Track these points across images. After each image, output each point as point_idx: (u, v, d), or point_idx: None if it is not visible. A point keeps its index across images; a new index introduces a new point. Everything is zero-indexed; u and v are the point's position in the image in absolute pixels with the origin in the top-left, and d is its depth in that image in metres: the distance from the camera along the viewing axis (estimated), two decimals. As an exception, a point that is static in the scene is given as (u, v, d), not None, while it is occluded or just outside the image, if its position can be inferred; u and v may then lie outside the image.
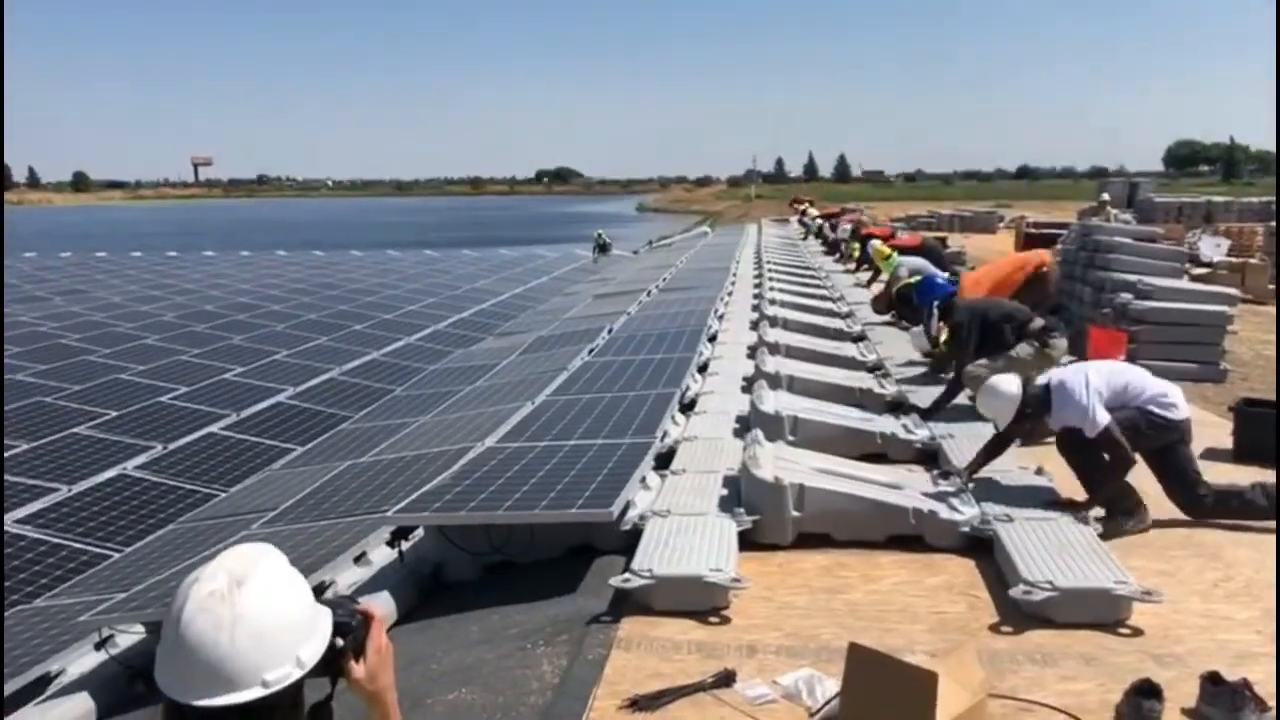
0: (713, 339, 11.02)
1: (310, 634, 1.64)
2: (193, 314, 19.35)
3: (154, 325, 17.98)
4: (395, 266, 30.97)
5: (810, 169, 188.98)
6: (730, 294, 15.44)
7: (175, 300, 21.70)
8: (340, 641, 1.68)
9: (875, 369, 8.79)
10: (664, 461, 6.20)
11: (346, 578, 5.36)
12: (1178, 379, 6.22)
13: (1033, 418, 5.34)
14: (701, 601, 4.23)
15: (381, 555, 5.61)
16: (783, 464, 5.35)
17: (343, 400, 12.01)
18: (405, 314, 19.35)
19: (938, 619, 4.18)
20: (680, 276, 19.81)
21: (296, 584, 1.66)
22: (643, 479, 5.56)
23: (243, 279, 26.63)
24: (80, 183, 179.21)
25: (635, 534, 4.87)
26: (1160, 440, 5.19)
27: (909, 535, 4.98)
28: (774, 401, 6.93)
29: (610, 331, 12.48)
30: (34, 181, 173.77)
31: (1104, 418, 5.04)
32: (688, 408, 7.75)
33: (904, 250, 15.73)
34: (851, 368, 8.92)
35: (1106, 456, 5.10)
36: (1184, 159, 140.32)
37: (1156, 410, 5.16)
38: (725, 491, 5.43)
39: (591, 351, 11.09)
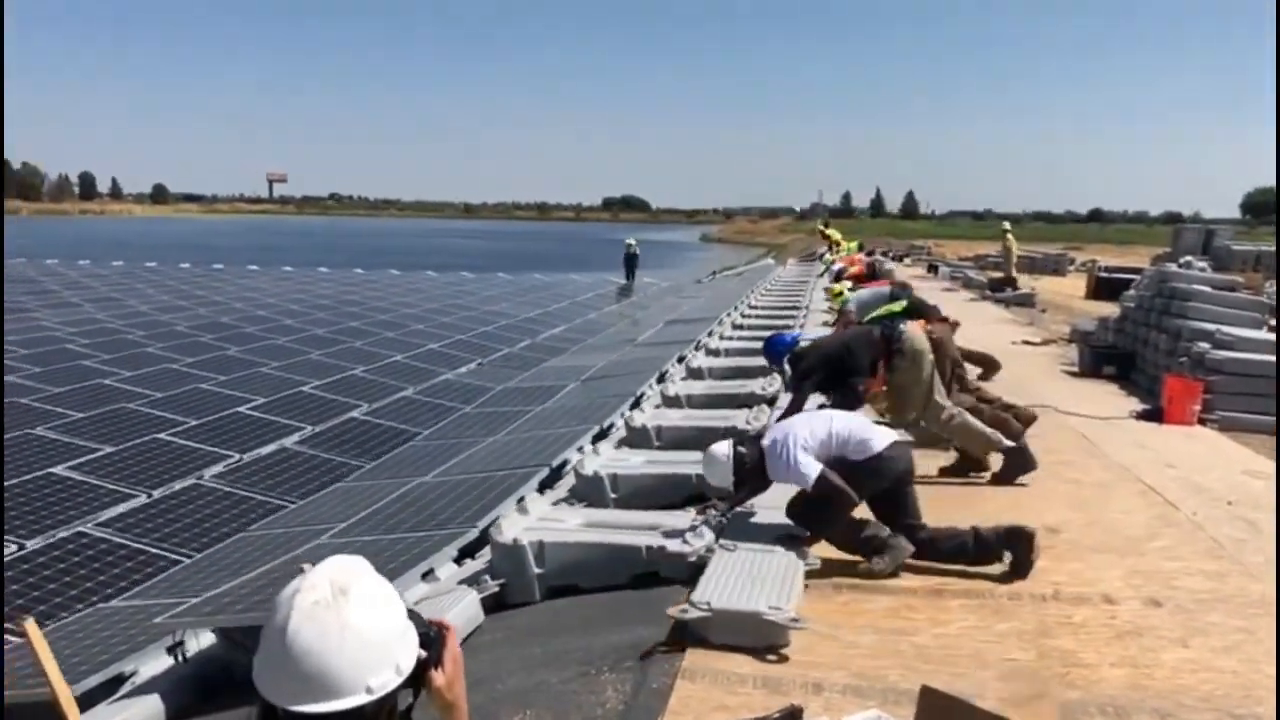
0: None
1: (406, 643, 1.70)
2: (276, 328, 19.85)
3: (236, 337, 18.44)
4: (469, 288, 31.51)
5: (877, 204, 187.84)
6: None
7: (255, 314, 22.23)
8: (424, 652, 1.74)
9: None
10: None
11: (414, 593, 5.43)
12: (1255, 431, 6.09)
13: (755, 475, 5.34)
14: (759, 638, 4.20)
15: (448, 571, 5.67)
16: (539, 523, 5.58)
17: (415, 418, 12.17)
18: (480, 334, 19.67)
19: (1009, 666, 4.12)
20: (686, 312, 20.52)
21: (392, 595, 1.72)
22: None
23: (322, 293, 27.34)
24: (159, 195, 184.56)
25: (700, 566, 4.88)
26: (881, 483, 5.21)
27: (647, 572, 5.07)
28: (594, 463, 6.96)
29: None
30: (116, 193, 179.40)
31: (814, 469, 5.06)
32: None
33: (856, 280, 15.87)
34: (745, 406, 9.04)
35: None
36: (1262, 206, 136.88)
37: (861, 454, 5.17)
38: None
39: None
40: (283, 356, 16.09)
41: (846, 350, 6.99)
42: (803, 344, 7.50)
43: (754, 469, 5.29)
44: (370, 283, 32.08)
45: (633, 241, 37.50)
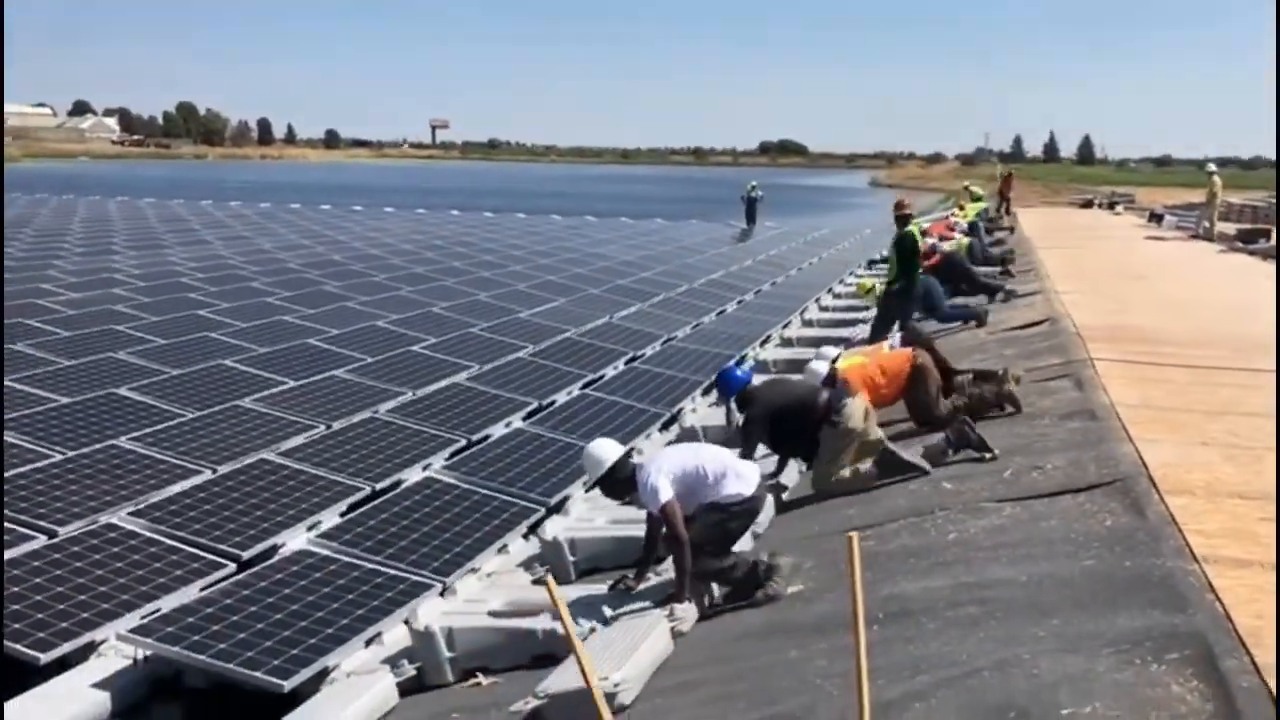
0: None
1: None
2: (443, 269, 20.86)
3: (407, 278, 19.26)
4: (626, 232, 31.81)
5: (1051, 149, 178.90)
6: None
7: (426, 255, 23.26)
8: None
9: None
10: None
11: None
12: None
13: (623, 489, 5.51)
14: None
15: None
16: (463, 605, 5.92)
17: (578, 360, 12.40)
18: (638, 280, 19.78)
19: None
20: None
21: None
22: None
23: (488, 239, 28.06)
24: (331, 140, 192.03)
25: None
26: (744, 522, 5.45)
27: (547, 653, 5.13)
28: (555, 527, 7.00)
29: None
30: (291, 138, 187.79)
31: (664, 496, 5.12)
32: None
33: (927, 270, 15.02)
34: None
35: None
36: None
37: (728, 493, 5.27)
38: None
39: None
40: (531, 304, 16.47)
41: (789, 410, 7.10)
42: (753, 385, 7.52)
43: (626, 482, 5.41)
44: (573, 229, 32.93)
45: (754, 185, 36.98)
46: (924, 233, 21.59)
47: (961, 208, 29.55)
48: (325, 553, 6.53)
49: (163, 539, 6.66)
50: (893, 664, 3.79)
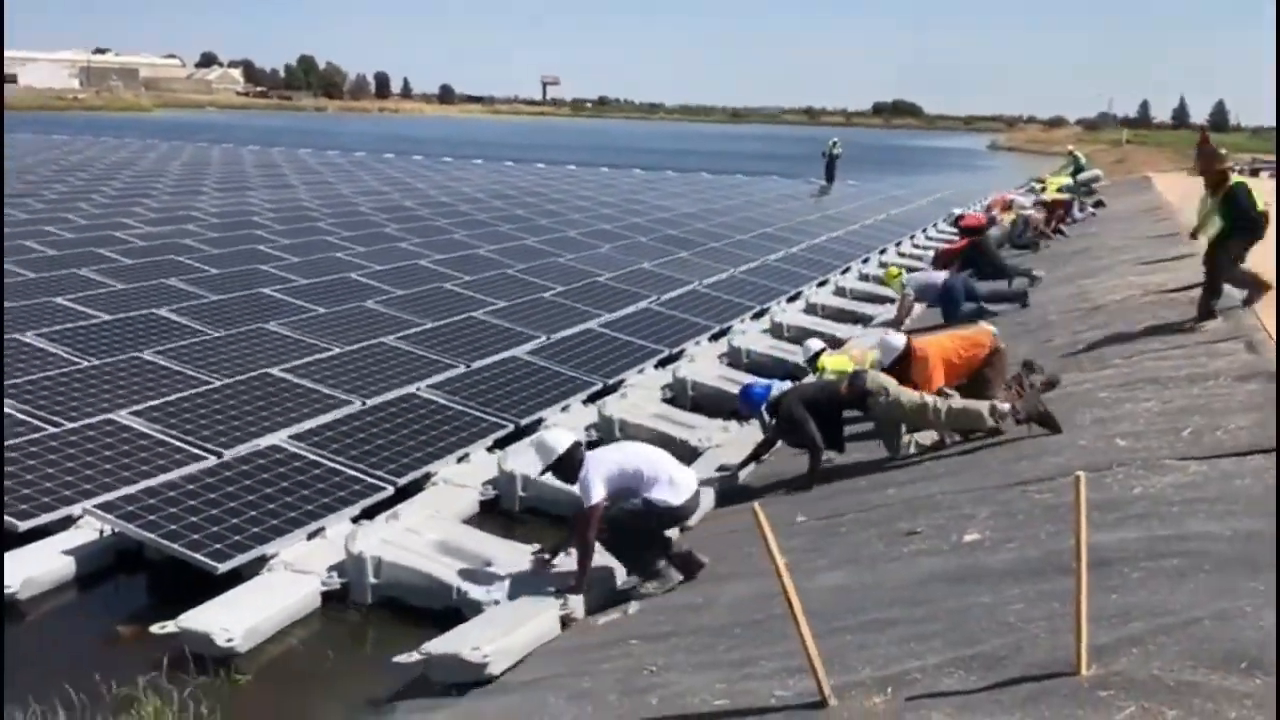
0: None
1: None
2: (504, 216, 21.49)
3: (465, 223, 19.85)
4: (700, 186, 31.88)
5: (1180, 114, 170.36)
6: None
7: (494, 204, 23.80)
8: None
9: None
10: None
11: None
12: None
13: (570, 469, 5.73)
14: (466, 674, 4.90)
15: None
16: (401, 534, 6.21)
17: (703, 310, 12.90)
18: (690, 230, 20.02)
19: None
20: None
21: None
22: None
23: (604, 200, 27.61)
24: (445, 95, 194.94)
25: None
26: (665, 524, 5.76)
27: (456, 607, 5.59)
28: (513, 461, 7.40)
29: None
30: (406, 92, 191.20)
31: (595, 498, 5.43)
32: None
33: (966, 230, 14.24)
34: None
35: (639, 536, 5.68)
36: None
37: (659, 498, 5.60)
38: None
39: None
40: (655, 256, 16.76)
41: (818, 400, 7.29)
42: (776, 392, 7.52)
43: (576, 467, 5.65)
44: (693, 186, 33.07)
45: (835, 141, 36.50)
46: (988, 207, 21.24)
47: (1041, 181, 28.37)
48: (295, 450, 7.15)
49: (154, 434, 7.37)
50: (1099, 611, 3.65)
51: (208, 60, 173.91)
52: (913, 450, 7.21)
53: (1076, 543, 3.30)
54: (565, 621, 5.47)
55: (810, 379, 8.53)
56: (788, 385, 7.69)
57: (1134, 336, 9.24)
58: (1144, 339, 9.06)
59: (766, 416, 7.64)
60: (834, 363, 8.74)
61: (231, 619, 5.35)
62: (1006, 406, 6.94)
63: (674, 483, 5.72)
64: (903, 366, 7.53)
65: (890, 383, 7.16)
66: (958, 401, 7.07)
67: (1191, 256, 12.87)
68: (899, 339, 7.77)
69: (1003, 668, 3.57)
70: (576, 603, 5.56)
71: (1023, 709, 3.24)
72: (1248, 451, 5.71)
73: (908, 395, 7.07)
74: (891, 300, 13.32)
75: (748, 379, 10.09)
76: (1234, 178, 10.29)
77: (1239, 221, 9.24)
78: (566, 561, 5.81)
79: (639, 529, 5.70)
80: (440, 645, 4.98)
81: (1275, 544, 4.17)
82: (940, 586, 4.71)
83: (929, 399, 7.05)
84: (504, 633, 5.10)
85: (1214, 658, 3.30)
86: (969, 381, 7.82)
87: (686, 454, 7.59)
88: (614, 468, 5.65)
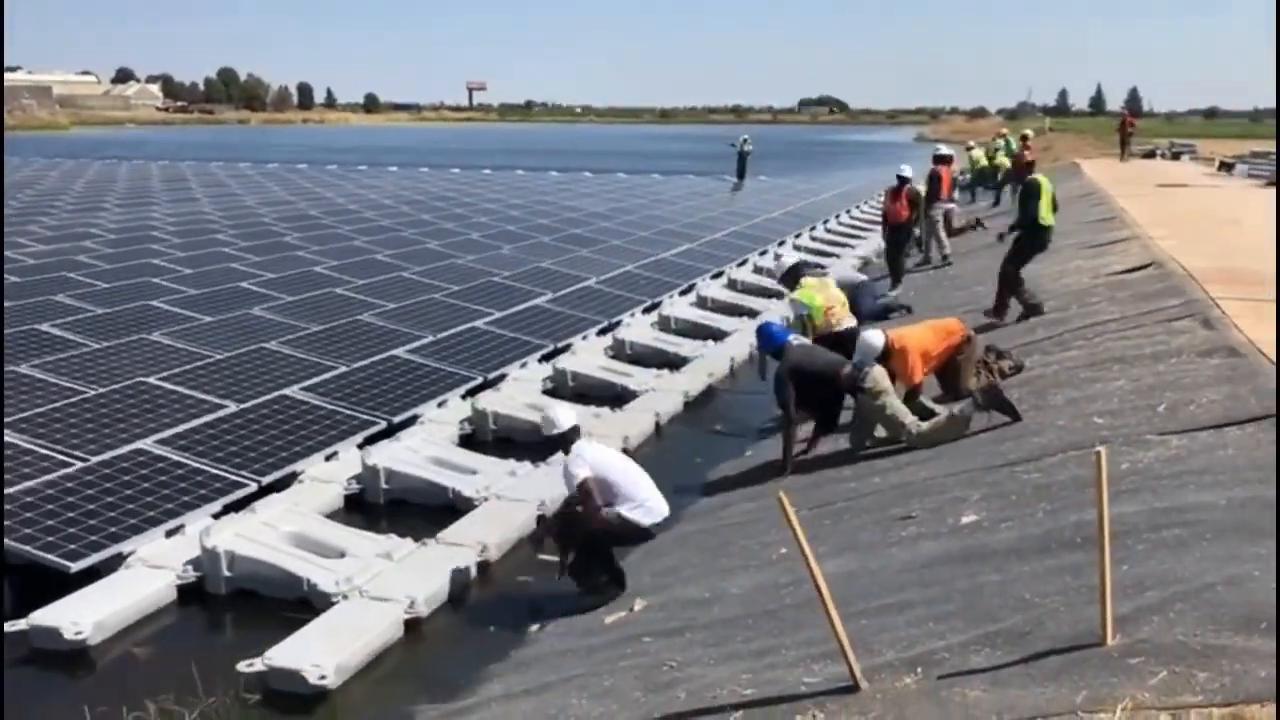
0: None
1: None
2: (410, 221, 21.51)
3: (369, 229, 19.86)
4: (613, 187, 32.13)
5: (1097, 102, 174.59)
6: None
7: (401, 210, 23.72)
8: None
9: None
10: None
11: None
12: None
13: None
14: (305, 688, 5.00)
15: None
16: (258, 528, 6.34)
17: (594, 305, 13.18)
18: (595, 230, 20.26)
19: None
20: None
21: None
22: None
23: (513, 202, 28.03)
24: (371, 104, 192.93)
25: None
26: (626, 541, 5.91)
27: (306, 599, 5.77)
28: (376, 455, 7.57)
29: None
30: (331, 102, 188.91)
31: (580, 475, 5.58)
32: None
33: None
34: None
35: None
36: None
37: (631, 516, 5.74)
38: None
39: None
40: (555, 255, 16.99)
41: (814, 376, 7.50)
42: (790, 345, 7.78)
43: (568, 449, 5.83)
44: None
45: (746, 138, 37.26)
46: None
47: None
48: (160, 453, 7.30)
49: None
50: (1114, 582, 3.66)
51: (124, 76, 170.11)
52: (868, 443, 7.40)
53: (1100, 516, 3.45)
54: (410, 624, 5.62)
55: (803, 341, 8.23)
56: (805, 342, 7.96)
57: (1091, 318, 9.53)
58: (1101, 321, 9.33)
59: (769, 360, 7.95)
60: (810, 298, 8.75)
61: (81, 614, 5.51)
62: (970, 411, 7.11)
63: (648, 508, 5.84)
64: (882, 361, 7.61)
65: (887, 386, 7.36)
66: (927, 426, 7.22)
67: (1134, 239, 13.52)
68: (878, 338, 7.64)
69: (1028, 642, 3.67)
70: (422, 602, 5.72)
71: (1056, 681, 3.31)
72: (1224, 424, 5.90)
73: (894, 407, 7.28)
74: (780, 295, 13.56)
75: (631, 369, 10.50)
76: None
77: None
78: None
79: (603, 535, 5.76)
80: (282, 657, 5.08)
81: (1275, 543, 4.19)
82: (947, 568, 4.78)
83: (908, 420, 7.26)
84: (344, 645, 5.22)
85: (1234, 621, 3.43)
86: (942, 369, 8.14)
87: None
88: (603, 464, 5.79)
